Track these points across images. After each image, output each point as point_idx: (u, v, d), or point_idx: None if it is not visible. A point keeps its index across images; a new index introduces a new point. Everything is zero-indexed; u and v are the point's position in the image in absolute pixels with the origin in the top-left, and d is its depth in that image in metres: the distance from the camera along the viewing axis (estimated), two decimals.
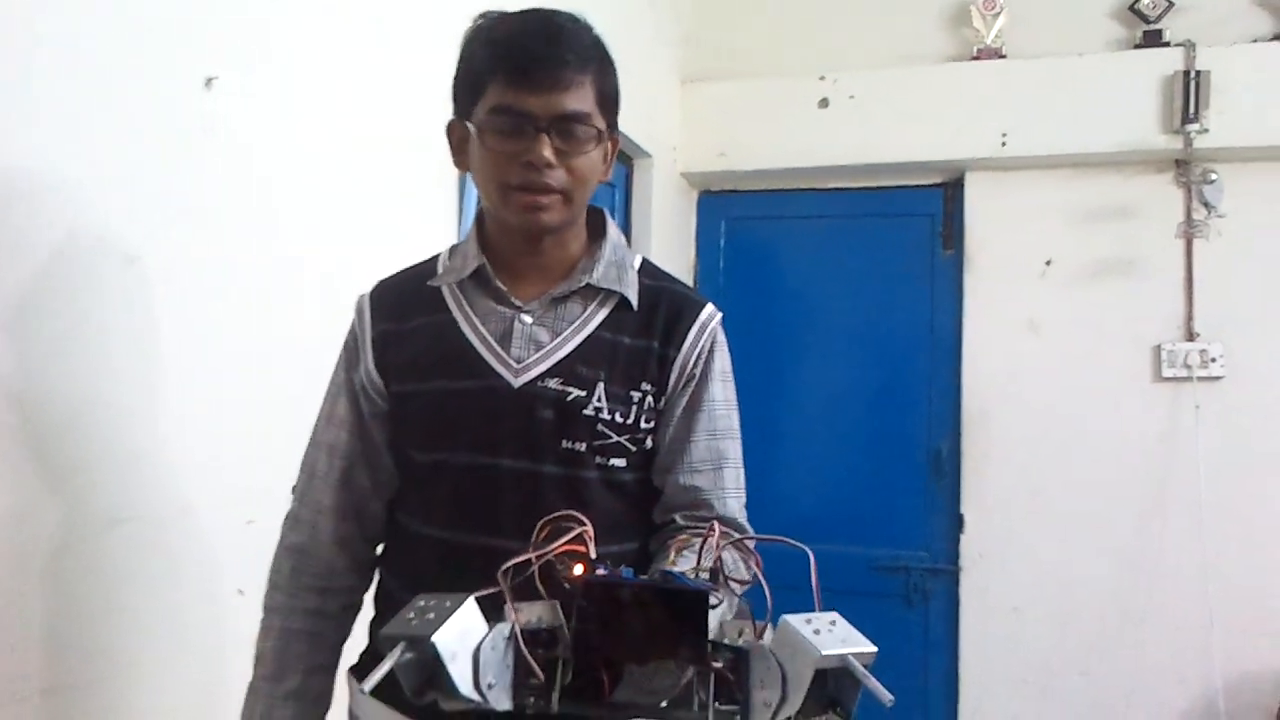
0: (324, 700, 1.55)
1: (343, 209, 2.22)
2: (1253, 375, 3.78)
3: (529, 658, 1.00)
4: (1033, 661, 3.97)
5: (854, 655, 0.95)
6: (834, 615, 0.99)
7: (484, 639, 0.99)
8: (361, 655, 1.57)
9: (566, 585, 1.03)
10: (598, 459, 1.42)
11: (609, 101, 1.43)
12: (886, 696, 0.92)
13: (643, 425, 1.44)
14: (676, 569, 1.10)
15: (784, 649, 0.98)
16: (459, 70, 1.43)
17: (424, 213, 2.48)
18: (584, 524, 1.07)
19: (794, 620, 0.98)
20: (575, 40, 1.37)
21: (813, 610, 1.01)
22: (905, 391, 4.22)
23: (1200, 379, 3.80)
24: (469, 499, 1.43)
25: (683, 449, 1.47)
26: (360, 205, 2.27)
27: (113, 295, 1.71)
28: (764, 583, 1.10)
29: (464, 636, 0.97)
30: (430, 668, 0.97)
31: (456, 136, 1.46)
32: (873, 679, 0.94)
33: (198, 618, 1.88)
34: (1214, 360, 3.79)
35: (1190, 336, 3.83)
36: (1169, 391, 3.86)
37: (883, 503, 4.21)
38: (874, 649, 0.96)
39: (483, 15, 1.43)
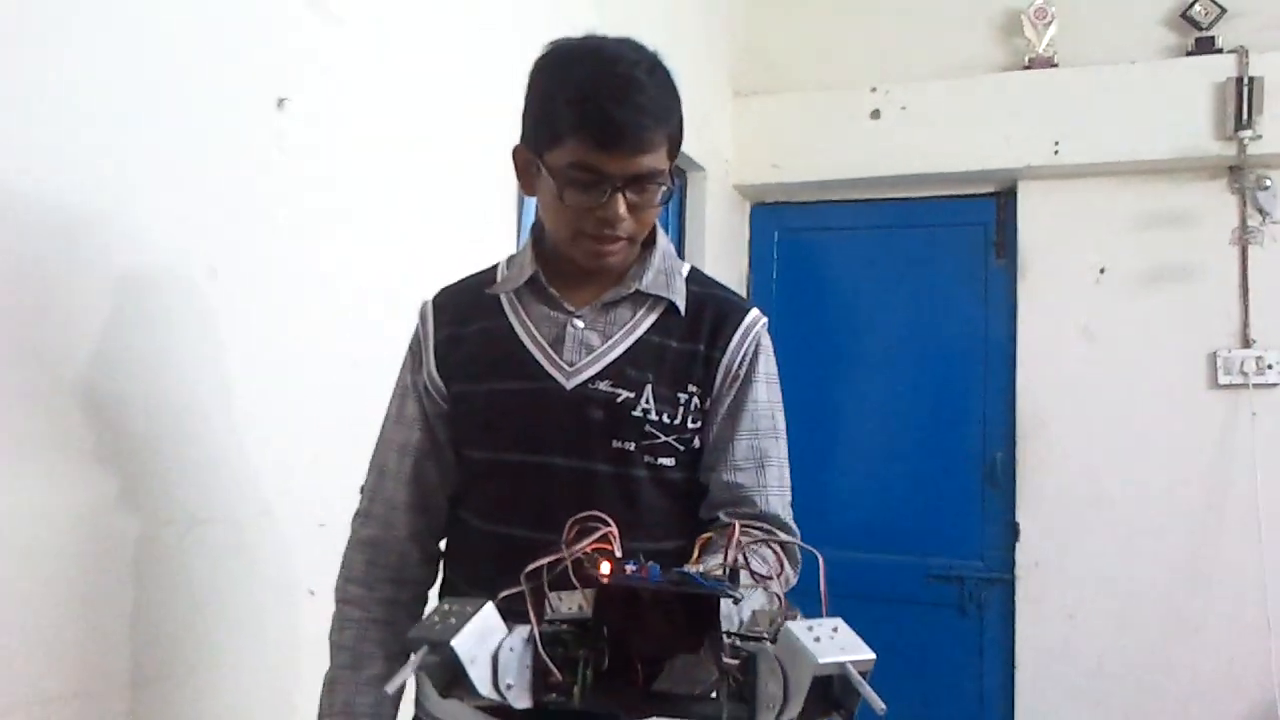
0: (401, 689, 1.60)
1: (408, 222, 2.30)
2: None
3: (545, 659, 1.04)
4: (1089, 669, 3.96)
5: (852, 663, 0.98)
6: (837, 622, 1.02)
7: (502, 642, 1.03)
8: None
9: (592, 580, 1.07)
10: (646, 458, 1.47)
11: (678, 143, 1.47)
12: (879, 705, 0.95)
13: (689, 425, 1.49)
14: (699, 568, 1.12)
15: (786, 654, 1.01)
16: (532, 104, 1.46)
17: (485, 225, 2.55)
18: (608, 524, 1.11)
19: (796, 627, 1.01)
20: (654, 100, 1.39)
21: (825, 615, 1.04)
22: (959, 400, 4.23)
23: (1256, 385, 3.79)
24: (525, 496, 1.48)
25: (726, 448, 1.51)
26: (425, 218, 2.35)
27: (194, 306, 1.80)
28: (791, 572, 1.12)
29: (483, 640, 1.02)
30: (452, 669, 1.01)
31: (523, 161, 1.50)
32: (867, 687, 0.97)
33: (273, 616, 1.96)
34: (1270, 367, 3.78)
35: (1246, 343, 3.82)
36: (1225, 398, 3.85)
37: (937, 512, 4.22)
38: (872, 656, 0.99)
39: (553, 45, 1.46)
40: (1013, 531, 4.09)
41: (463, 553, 1.60)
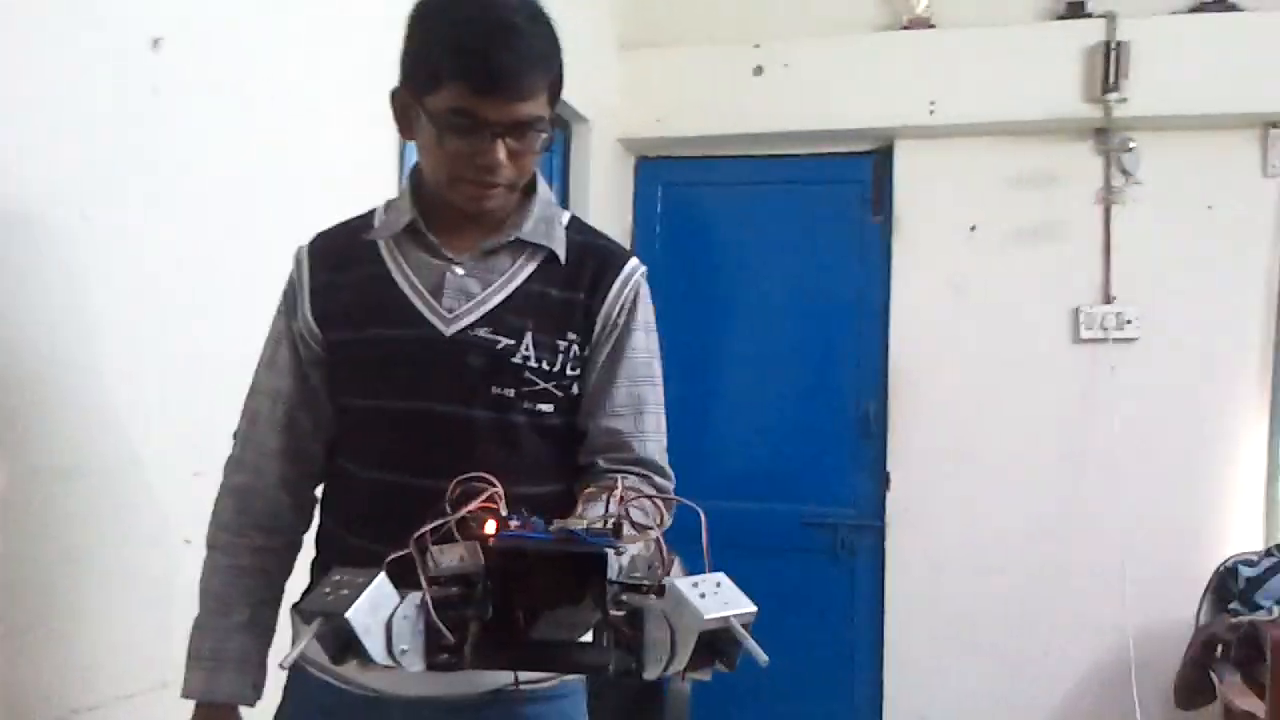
0: (270, 633, 1.60)
1: (287, 165, 2.27)
2: (1165, 336, 3.93)
3: (439, 624, 1.07)
4: (956, 614, 4.11)
5: (735, 616, 1.02)
6: (720, 577, 1.06)
7: (395, 610, 1.05)
8: (304, 594, 1.63)
9: (477, 539, 1.09)
10: (526, 404, 1.49)
11: (558, 91, 1.48)
12: (762, 657, 1.01)
13: (569, 373, 1.51)
14: (583, 521, 1.16)
15: (672, 609, 1.05)
16: (411, 48, 1.46)
17: (366, 169, 2.53)
18: (494, 485, 1.14)
19: (682, 584, 1.05)
20: (534, 47, 1.40)
21: (708, 568, 1.08)
22: (835, 353, 4.32)
23: (1116, 340, 3.94)
24: (404, 442, 1.49)
25: (605, 394, 1.54)
26: (304, 161, 2.32)
27: (63, 250, 1.76)
28: (668, 517, 1.17)
29: (376, 609, 1.04)
30: (346, 640, 1.03)
31: (401, 105, 1.50)
32: (750, 640, 1.02)
33: (146, 566, 1.94)
34: (1129, 322, 3.94)
35: (1107, 299, 3.97)
36: (1087, 353, 4.00)
37: (812, 461, 4.32)
38: (754, 609, 1.03)
39: None
40: (884, 480, 4.21)
41: (341, 499, 1.60)
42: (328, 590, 1.05)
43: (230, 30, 2.10)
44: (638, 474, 1.52)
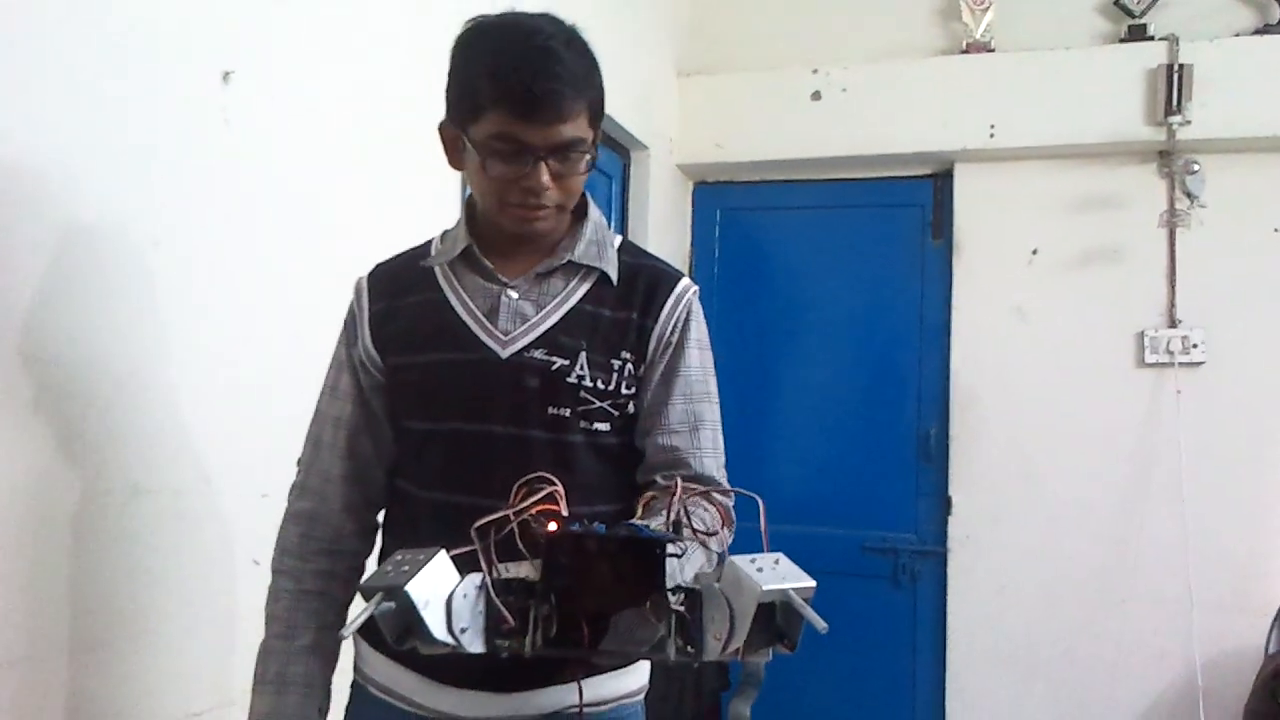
0: (334, 657, 1.62)
1: (352, 195, 2.31)
2: (1232, 360, 3.87)
3: (499, 604, 1.07)
4: (1018, 640, 4.06)
5: (794, 589, 1.01)
6: (778, 555, 1.06)
7: (455, 587, 1.06)
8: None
9: (539, 539, 1.10)
10: (582, 424, 1.51)
11: (599, 113, 1.50)
12: (821, 625, 0.99)
13: (623, 391, 1.53)
14: (641, 523, 1.17)
15: (730, 586, 1.05)
16: (454, 80, 1.49)
17: (429, 200, 2.55)
18: (554, 484, 1.15)
19: (739, 560, 1.05)
20: (572, 70, 1.42)
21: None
22: (895, 377, 4.30)
23: (1181, 364, 3.89)
24: (462, 464, 1.51)
25: (661, 412, 1.55)
26: (369, 192, 2.37)
27: (137, 277, 1.80)
28: (726, 533, 1.17)
29: (436, 585, 1.05)
30: (407, 616, 1.04)
31: (449, 138, 1.53)
32: (810, 610, 1.00)
33: (214, 585, 1.97)
34: (1195, 346, 3.88)
35: (1172, 323, 3.92)
36: (1151, 376, 3.95)
37: (872, 485, 4.29)
38: (813, 583, 1.02)
39: (472, 21, 1.49)
40: (945, 505, 4.18)
41: (402, 522, 1.62)
42: (389, 569, 1.05)
43: (298, 64, 2.15)
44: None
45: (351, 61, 2.31)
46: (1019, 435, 4.09)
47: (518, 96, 1.39)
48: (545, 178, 1.44)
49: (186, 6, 1.87)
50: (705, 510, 1.33)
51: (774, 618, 1.03)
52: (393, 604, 1.03)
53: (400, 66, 2.45)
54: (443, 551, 1.08)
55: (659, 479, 1.55)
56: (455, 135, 1.50)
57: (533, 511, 1.12)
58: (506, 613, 1.08)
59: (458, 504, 1.49)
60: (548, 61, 1.40)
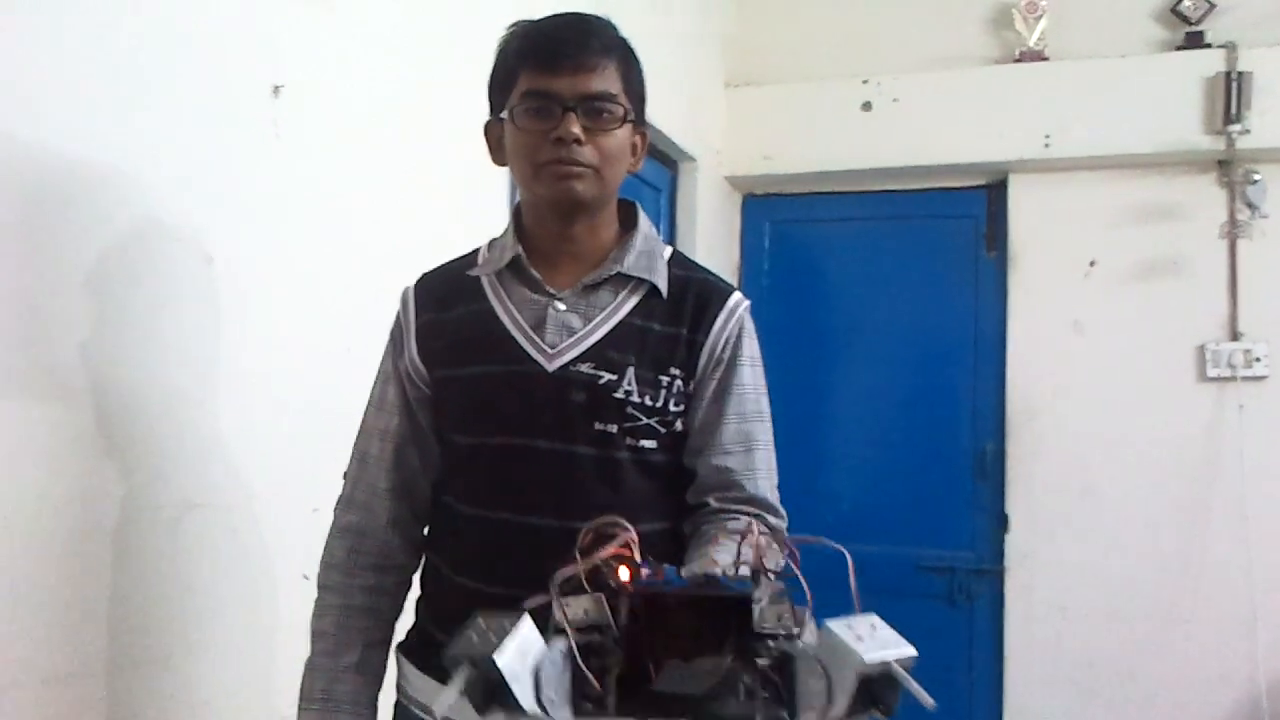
0: (380, 675, 1.60)
1: (403, 208, 2.31)
2: None
3: (588, 674, 1.05)
4: (1078, 661, 3.98)
5: (896, 660, 0.98)
6: (873, 618, 1.02)
7: (542, 656, 1.03)
8: (408, 633, 1.63)
9: (614, 590, 1.07)
10: (628, 440, 1.48)
11: (634, 90, 1.50)
12: (928, 701, 0.96)
13: (672, 408, 1.50)
14: (716, 565, 1.14)
15: (828, 654, 1.01)
16: (493, 72, 1.52)
17: (478, 211, 2.55)
18: (628, 529, 1.11)
19: (836, 626, 1.01)
20: (600, 30, 1.46)
21: (851, 612, 1.04)
22: (949, 392, 4.24)
23: (1244, 378, 3.81)
24: (508, 479, 1.49)
25: (713, 431, 1.52)
26: (419, 204, 2.36)
27: (189, 293, 1.81)
28: (800, 576, 1.14)
29: (524, 655, 1.01)
30: (493, 686, 1.00)
31: (494, 136, 1.54)
32: (914, 683, 0.98)
33: (263, 601, 1.96)
34: (1258, 360, 3.80)
35: (1234, 336, 3.84)
36: (1213, 391, 3.87)
37: (927, 503, 4.23)
38: (914, 652, 0.99)
39: (516, 23, 1.51)
40: (1002, 523, 4.11)
41: (445, 537, 1.60)
42: (474, 636, 1.02)
43: (347, 77, 2.15)
44: (750, 513, 1.48)
45: (400, 74, 2.31)
46: (1077, 452, 4.01)
47: (544, 50, 1.44)
48: (575, 127, 1.43)
49: (237, 21, 1.87)
50: (772, 544, 1.30)
51: (871, 684, 1.00)
52: (478, 674, 1.01)
53: (449, 78, 2.43)
54: (527, 618, 1.04)
55: (712, 500, 1.52)
56: (495, 124, 1.52)
57: (606, 556, 1.09)
58: (594, 679, 1.05)
59: (502, 520, 1.49)
60: (576, 20, 1.46)
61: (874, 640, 0.99)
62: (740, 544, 1.18)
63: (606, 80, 1.44)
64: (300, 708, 1.55)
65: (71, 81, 1.56)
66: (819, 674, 1.02)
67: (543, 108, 1.43)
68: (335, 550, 1.61)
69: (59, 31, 1.54)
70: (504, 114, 1.48)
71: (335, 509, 1.63)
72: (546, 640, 1.05)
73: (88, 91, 1.58)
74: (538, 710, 1.02)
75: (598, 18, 1.49)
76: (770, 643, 1.06)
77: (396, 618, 1.64)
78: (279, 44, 1.96)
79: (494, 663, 0.98)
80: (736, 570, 1.12)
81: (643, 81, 1.52)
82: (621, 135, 1.48)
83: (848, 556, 1.12)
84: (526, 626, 1.03)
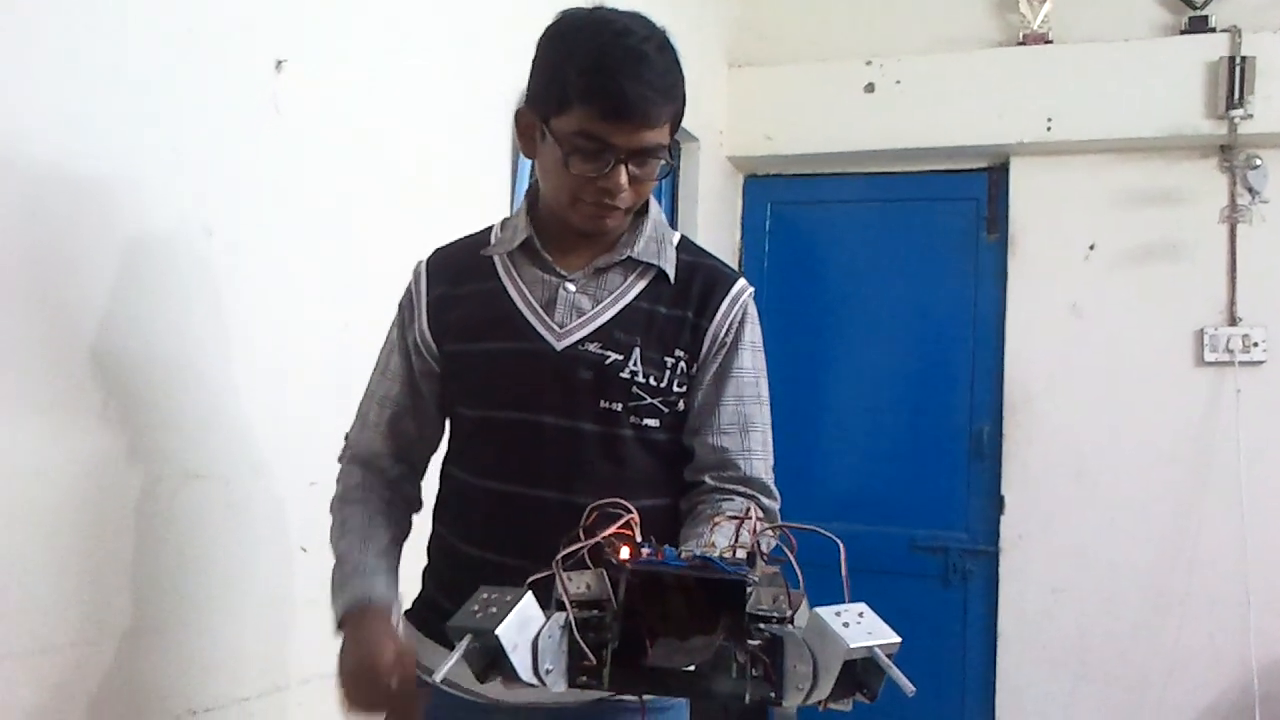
0: (398, 575, 1.60)
1: (403, 184, 2.32)
2: None
3: (584, 647, 1.09)
4: (1071, 642, 4.01)
5: (880, 647, 1.03)
6: (862, 607, 1.07)
7: (542, 629, 1.07)
8: (414, 602, 1.65)
9: (614, 567, 1.11)
10: (632, 419, 1.52)
11: (679, 121, 1.51)
12: (909, 687, 1.00)
13: (675, 389, 1.54)
14: (715, 550, 1.17)
15: (815, 639, 1.06)
16: (541, 70, 1.48)
17: (480, 188, 2.57)
18: (630, 511, 1.15)
19: (825, 613, 1.05)
20: (662, 78, 1.43)
21: (842, 598, 1.08)
22: (947, 374, 4.25)
23: (1242, 363, 3.82)
24: (514, 453, 1.53)
25: (712, 412, 1.56)
26: (420, 181, 2.37)
27: (190, 265, 1.82)
28: (794, 562, 1.17)
29: (524, 628, 1.06)
30: (494, 657, 1.06)
31: (526, 124, 1.53)
32: (896, 670, 1.02)
33: (264, 571, 1.99)
34: (1256, 345, 3.81)
35: (1233, 321, 3.85)
36: (1211, 375, 3.88)
37: (923, 483, 4.25)
38: (898, 640, 1.03)
39: (564, 14, 1.48)
40: (997, 504, 4.13)
41: (453, 507, 1.63)
42: (476, 608, 1.07)
43: (349, 52, 2.15)
44: (744, 493, 1.54)
45: (402, 49, 2.31)
46: (1074, 434, 4.03)
47: (609, 98, 1.40)
48: (624, 180, 1.44)
49: None
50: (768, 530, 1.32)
51: (856, 669, 1.05)
52: (479, 645, 1.05)
53: (453, 54, 2.44)
54: (529, 594, 1.08)
55: (708, 479, 1.55)
56: (534, 124, 1.50)
57: (608, 535, 1.13)
58: (590, 652, 1.10)
59: (508, 493, 1.53)
60: (640, 66, 1.41)
61: (860, 628, 1.04)
62: (738, 528, 1.22)
63: (661, 134, 1.45)
64: (335, 598, 1.52)
65: (71, 54, 1.56)
66: (806, 657, 1.06)
67: (595, 153, 1.43)
68: (348, 480, 1.64)
69: (60, 2, 1.54)
70: (548, 129, 1.45)
71: (339, 459, 1.67)
72: (548, 614, 1.09)
73: (87, 65, 1.59)
74: (535, 681, 1.07)
75: (658, 45, 1.44)
76: (763, 625, 1.10)
77: (407, 535, 1.65)
78: (281, 18, 1.97)
79: (495, 636, 1.03)
80: (734, 553, 1.14)
81: (685, 102, 1.50)
82: (661, 174, 1.51)
83: (840, 546, 1.17)
84: (527, 600, 1.07)
